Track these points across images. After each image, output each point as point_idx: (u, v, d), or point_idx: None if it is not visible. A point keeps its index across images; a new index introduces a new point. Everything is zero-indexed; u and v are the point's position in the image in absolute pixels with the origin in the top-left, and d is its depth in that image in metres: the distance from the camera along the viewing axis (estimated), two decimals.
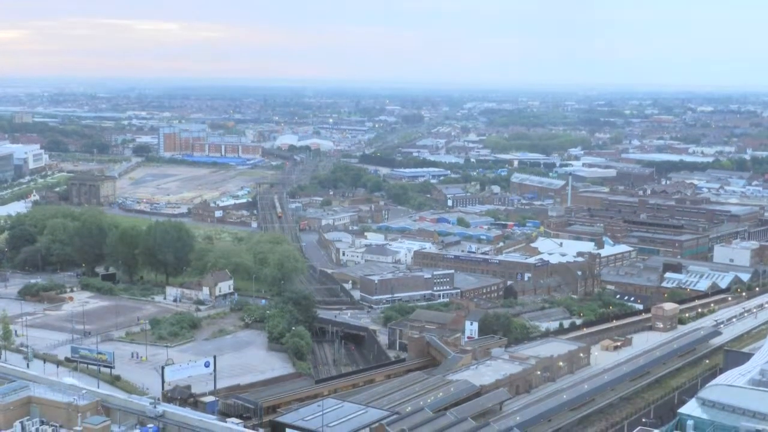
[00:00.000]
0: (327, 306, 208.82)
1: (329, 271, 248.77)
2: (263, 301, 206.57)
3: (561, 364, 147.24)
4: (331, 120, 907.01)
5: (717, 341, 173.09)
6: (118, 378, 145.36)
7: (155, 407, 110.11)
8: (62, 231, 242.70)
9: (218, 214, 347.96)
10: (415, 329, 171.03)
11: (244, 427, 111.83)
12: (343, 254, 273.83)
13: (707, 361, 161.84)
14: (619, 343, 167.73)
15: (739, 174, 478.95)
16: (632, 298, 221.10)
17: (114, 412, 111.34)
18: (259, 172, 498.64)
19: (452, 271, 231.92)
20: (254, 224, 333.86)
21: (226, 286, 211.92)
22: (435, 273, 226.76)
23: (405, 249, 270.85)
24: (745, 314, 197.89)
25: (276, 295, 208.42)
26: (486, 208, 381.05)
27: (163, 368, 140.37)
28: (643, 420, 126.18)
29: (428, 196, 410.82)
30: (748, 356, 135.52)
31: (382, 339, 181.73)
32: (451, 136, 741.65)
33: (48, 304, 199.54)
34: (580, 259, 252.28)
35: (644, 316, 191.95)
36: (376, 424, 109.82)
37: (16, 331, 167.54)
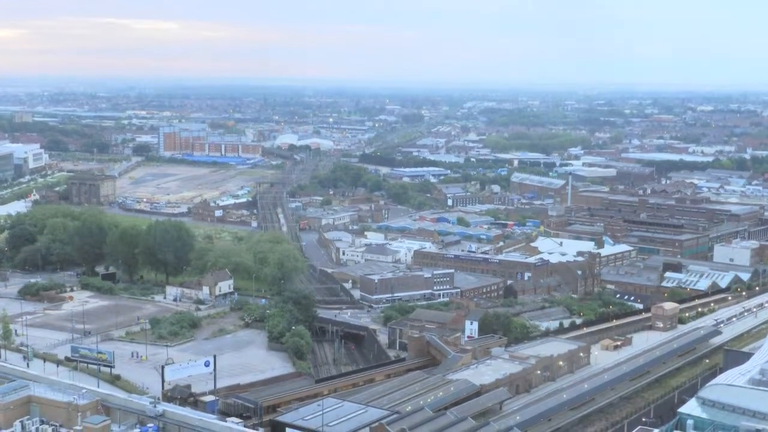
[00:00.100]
0: (327, 305, 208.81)
1: (329, 270, 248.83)
2: (263, 300, 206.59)
3: (561, 363, 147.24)
4: (331, 119, 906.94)
5: (717, 341, 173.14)
6: (118, 377, 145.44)
7: (155, 407, 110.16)
8: (62, 230, 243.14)
9: (218, 213, 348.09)
10: (415, 329, 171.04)
11: (244, 426, 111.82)
12: (343, 254, 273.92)
13: (707, 361, 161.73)
14: (619, 343, 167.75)
15: (739, 173, 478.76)
16: (632, 298, 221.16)
17: (114, 412, 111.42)
18: (259, 172, 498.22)
19: (452, 270, 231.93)
20: (254, 224, 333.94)
21: (226, 286, 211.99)
22: (435, 272, 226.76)
23: (405, 248, 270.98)
24: (745, 314, 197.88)
25: (276, 295, 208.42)
26: (486, 207, 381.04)
27: (163, 368, 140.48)
28: (643, 419, 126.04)
29: (428, 195, 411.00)
30: (748, 356, 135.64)
31: (382, 338, 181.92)
32: (451, 136, 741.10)
33: (48, 303, 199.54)
34: (580, 258, 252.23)
35: (644, 315, 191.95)
36: (376, 424, 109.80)
37: (16, 331, 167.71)
